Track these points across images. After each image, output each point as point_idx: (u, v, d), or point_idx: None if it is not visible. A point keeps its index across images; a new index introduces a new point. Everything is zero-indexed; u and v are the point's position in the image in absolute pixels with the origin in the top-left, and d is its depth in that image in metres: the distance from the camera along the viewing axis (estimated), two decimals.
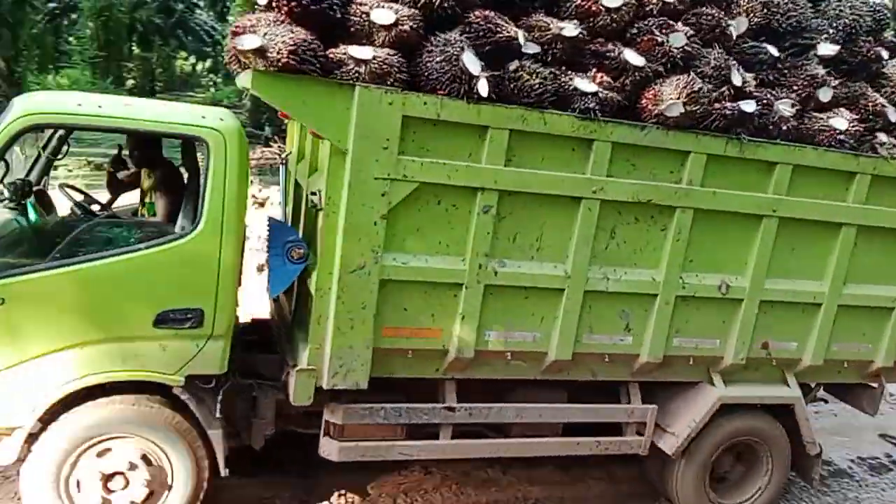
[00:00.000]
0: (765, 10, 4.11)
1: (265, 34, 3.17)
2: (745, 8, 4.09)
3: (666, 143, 3.82)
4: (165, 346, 3.50)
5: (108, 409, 3.49)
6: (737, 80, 3.85)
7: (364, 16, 3.32)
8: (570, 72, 3.62)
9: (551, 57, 3.59)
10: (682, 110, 3.65)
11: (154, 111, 3.71)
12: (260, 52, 3.13)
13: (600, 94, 3.59)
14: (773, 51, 4.11)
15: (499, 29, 3.46)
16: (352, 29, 3.36)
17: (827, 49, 4.21)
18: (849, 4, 4.38)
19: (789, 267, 4.35)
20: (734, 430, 4.63)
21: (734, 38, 3.99)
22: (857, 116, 4.23)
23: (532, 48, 3.53)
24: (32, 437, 3.43)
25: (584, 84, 3.58)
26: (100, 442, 3.50)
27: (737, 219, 4.13)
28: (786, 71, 4.16)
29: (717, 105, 3.79)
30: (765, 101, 3.95)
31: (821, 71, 4.16)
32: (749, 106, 3.87)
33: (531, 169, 3.67)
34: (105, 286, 3.42)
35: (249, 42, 3.14)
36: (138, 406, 3.55)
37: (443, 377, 3.97)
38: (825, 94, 4.16)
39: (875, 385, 5.02)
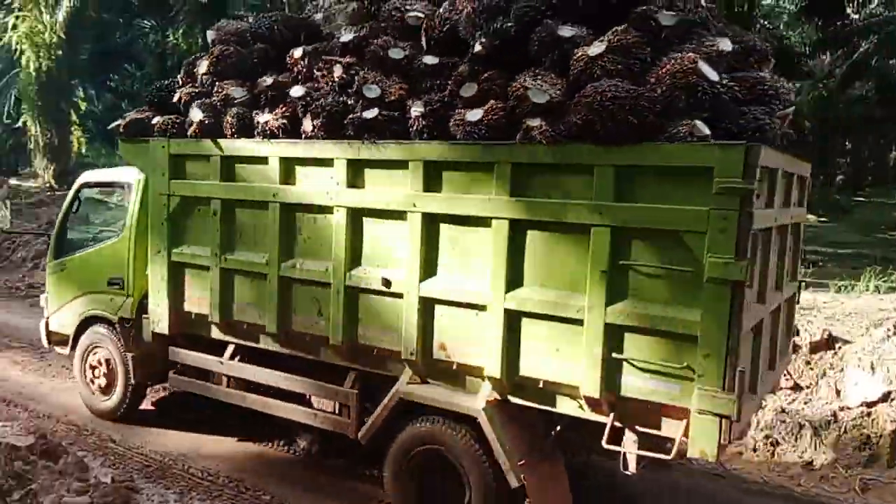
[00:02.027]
0: (435, 26, 4.50)
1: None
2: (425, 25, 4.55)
3: (313, 153, 4.70)
4: (112, 298, 6.17)
5: (96, 329, 6.35)
6: (371, 93, 4.43)
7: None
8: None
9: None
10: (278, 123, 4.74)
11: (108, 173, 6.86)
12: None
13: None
14: (430, 60, 4.42)
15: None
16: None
17: (478, 47, 4.21)
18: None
19: (449, 264, 4.25)
20: (422, 435, 4.43)
21: (401, 59, 4.54)
22: (500, 105, 4.01)
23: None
24: (73, 340, 6.53)
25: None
26: (94, 346, 6.39)
27: (388, 215, 4.42)
28: (440, 76, 4.38)
29: (349, 116, 4.49)
30: (392, 106, 4.37)
31: (465, 69, 4.24)
32: (370, 113, 4.37)
33: (241, 182, 5.10)
34: (90, 263, 6.38)
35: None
36: (107, 331, 6.26)
37: (223, 339, 5.41)
38: (467, 90, 4.16)
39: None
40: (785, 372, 5.54)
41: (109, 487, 4.74)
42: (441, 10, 4.50)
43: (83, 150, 26.90)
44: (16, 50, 17.66)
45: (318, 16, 5.52)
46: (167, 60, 26.29)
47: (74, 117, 24.03)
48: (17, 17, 17.21)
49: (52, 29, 17.12)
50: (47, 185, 20.73)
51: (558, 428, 4.31)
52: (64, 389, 7.15)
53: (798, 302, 5.33)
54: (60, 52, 17.98)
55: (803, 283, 5.91)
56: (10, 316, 10.08)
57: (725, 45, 3.87)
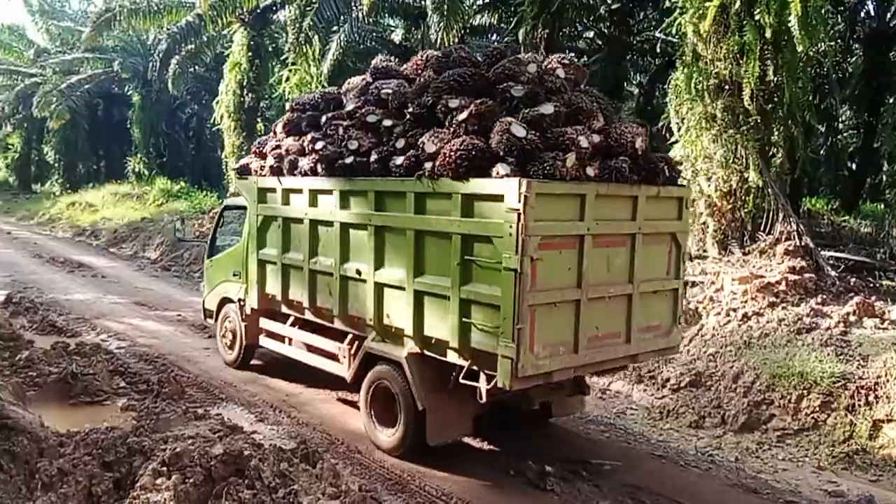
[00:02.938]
0: (395, 98, 6.43)
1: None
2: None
3: (322, 185, 6.99)
4: (236, 285, 8.71)
5: (228, 307, 8.99)
6: (351, 145, 6.54)
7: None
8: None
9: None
10: (310, 166, 6.94)
11: (236, 200, 9.19)
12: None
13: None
14: (387, 122, 6.35)
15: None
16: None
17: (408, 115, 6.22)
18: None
19: (389, 260, 6.31)
20: (379, 374, 6.52)
21: (373, 122, 6.49)
22: (413, 153, 5.91)
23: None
24: (216, 315, 9.27)
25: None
26: (226, 318, 9.05)
27: (359, 227, 6.59)
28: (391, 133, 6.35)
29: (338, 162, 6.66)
30: (363, 154, 6.42)
31: (401, 129, 6.23)
32: (349, 159, 6.52)
33: (291, 206, 7.52)
34: (225, 261, 9.08)
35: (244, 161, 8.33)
36: (233, 308, 8.86)
37: (290, 313, 7.81)
38: (399, 143, 6.13)
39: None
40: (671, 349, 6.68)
41: (357, 495, 5.06)
42: (399, 88, 6.51)
43: None
44: (287, 98, 19.66)
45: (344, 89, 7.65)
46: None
47: None
48: (290, 70, 18.96)
49: (317, 79, 18.44)
50: None
51: (454, 373, 5.84)
52: (321, 400, 7.85)
53: (684, 296, 7.12)
54: None
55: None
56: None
57: (547, 109, 5.62)
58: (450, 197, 5.61)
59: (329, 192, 6.90)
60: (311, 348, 7.62)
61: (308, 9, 16.86)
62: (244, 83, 20.75)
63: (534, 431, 7.09)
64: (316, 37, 17.39)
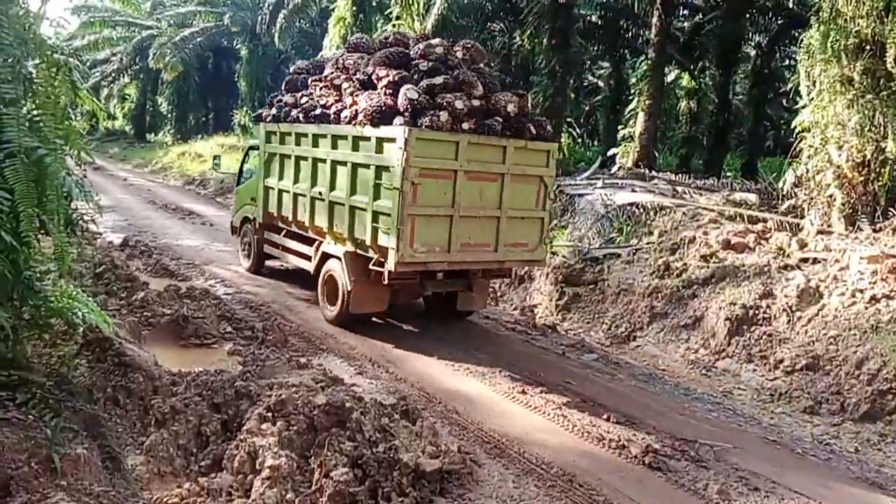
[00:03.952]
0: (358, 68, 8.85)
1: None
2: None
3: (300, 130, 9.50)
4: (252, 207, 11.11)
5: (247, 225, 11.59)
6: (322, 100, 9.13)
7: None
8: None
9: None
10: (296, 115, 9.65)
11: (255, 142, 11.68)
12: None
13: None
14: (346, 85, 8.75)
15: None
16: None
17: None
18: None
19: (338, 184, 8.62)
20: (329, 266, 8.96)
21: (339, 83, 8.89)
22: (355, 108, 8.25)
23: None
24: (239, 231, 11.75)
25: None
26: (245, 232, 11.71)
27: (322, 162, 8.94)
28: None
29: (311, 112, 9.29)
30: (328, 107, 8.91)
31: (346, 86, 8.71)
32: (318, 111, 9.05)
33: (284, 145, 9.97)
34: (246, 189, 11.68)
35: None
36: (249, 225, 11.39)
37: (283, 227, 10.29)
38: (347, 100, 8.53)
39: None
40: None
41: (457, 456, 5.10)
42: (357, 60, 8.84)
43: None
44: None
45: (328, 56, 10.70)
46: (512, 60, 29.68)
47: None
48: (393, 26, 18.56)
49: (420, 34, 19.61)
50: None
51: (372, 264, 8.05)
52: (417, 358, 7.79)
53: (550, 223, 9.67)
54: None
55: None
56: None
57: (437, 80, 7.88)
58: (369, 139, 7.98)
59: (306, 135, 9.26)
60: (293, 252, 10.06)
61: None
62: (347, 38, 20.75)
63: (634, 405, 6.82)
64: None
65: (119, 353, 5.82)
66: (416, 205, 7.52)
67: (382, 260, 7.79)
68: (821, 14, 9.95)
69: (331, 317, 8.85)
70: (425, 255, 7.71)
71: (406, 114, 7.59)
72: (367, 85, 8.33)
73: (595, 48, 30.77)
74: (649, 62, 17.62)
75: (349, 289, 8.36)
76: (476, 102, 7.92)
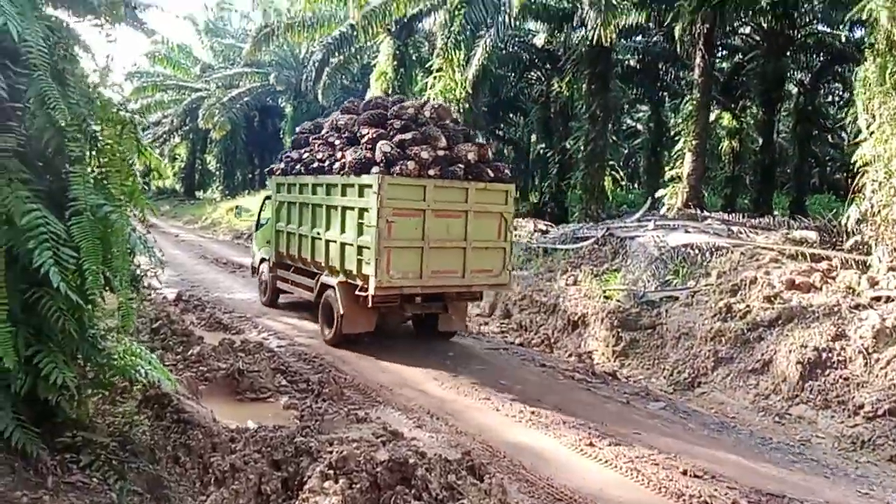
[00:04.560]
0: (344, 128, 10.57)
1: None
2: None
3: (302, 181, 11.16)
4: (267, 249, 12.72)
5: (264, 265, 13.16)
6: (318, 155, 10.68)
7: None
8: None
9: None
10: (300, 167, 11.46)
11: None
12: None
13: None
14: (337, 141, 10.42)
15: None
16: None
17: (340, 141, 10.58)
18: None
19: (331, 225, 10.04)
20: (326, 294, 10.26)
21: (333, 141, 10.59)
22: (343, 161, 9.85)
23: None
24: (256, 271, 13.36)
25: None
26: (262, 272, 13.34)
27: (319, 207, 10.45)
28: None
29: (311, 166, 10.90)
30: (323, 161, 10.50)
31: (337, 143, 10.39)
32: (315, 164, 10.67)
33: (291, 194, 11.64)
34: (263, 232, 13.33)
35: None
36: (266, 265, 12.96)
37: (291, 264, 11.71)
38: (338, 154, 10.08)
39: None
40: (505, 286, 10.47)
41: None
42: (348, 120, 10.35)
43: None
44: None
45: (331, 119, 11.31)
46: (550, 108, 29.77)
47: None
48: (435, 78, 19.09)
49: (461, 85, 18.63)
50: None
51: (358, 290, 9.39)
52: (476, 409, 7.55)
53: (511, 252, 10.39)
54: (467, 105, 19.41)
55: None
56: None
57: (407, 135, 9.38)
58: (353, 186, 9.45)
59: (306, 184, 10.84)
60: (299, 285, 11.35)
61: (458, 11, 16.87)
62: (389, 92, 21.13)
63: (710, 457, 6.45)
64: (462, 42, 17.34)
65: (178, 410, 5.73)
66: (390, 238, 8.92)
67: (365, 286, 9.11)
68: (876, 47, 9.70)
69: (328, 337, 10.15)
70: (401, 281, 9.08)
71: (381, 164, 9.07)
72: (354, 141, 9.95)
73: (634, 92, 30.81)
74: (694, 102, 17.42)
75: (341, 312, 9.71)
76: (440, 152, 9.41)
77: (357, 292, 9.32)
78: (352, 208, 9.46)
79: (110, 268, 4.39)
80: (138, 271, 5.19)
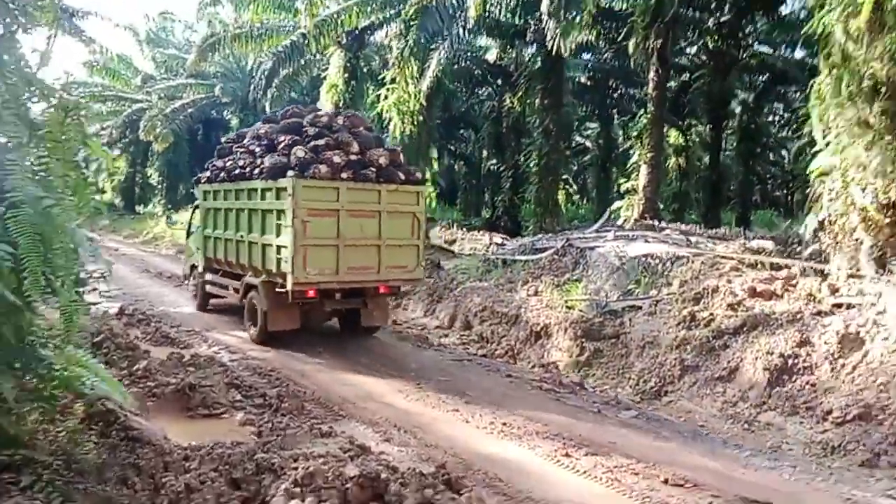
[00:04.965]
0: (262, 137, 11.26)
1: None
2: None
3: (225, 187, 11.83)
4: (197, 255, 13.26)
5: (195, 271, 13.56)
6: (240, 162, 11.33)
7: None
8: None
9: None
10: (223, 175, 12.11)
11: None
12: None
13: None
14: (257, 148, 11.14)
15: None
16: None
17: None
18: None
19: (255, 228, 10.59)
20: (251, 294, 10.71)
21: (254, 149, 11.26)
22: (261, 167, 10.48)
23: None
24: (188, 276, 13.83)
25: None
26: (194, 278, 13.76)
27: (244, 211, 10.95)
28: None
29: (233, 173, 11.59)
30: (245, 167, 11.05)
31: (257, 150, 11.02)
32: (237, 171, 11.27)
33: (217, 200, 12.15)
34: (193, 240, 13.68)
35: None
36: (197, 271, 13.57)
37: (218, 268, 12.32)
38: (259, 160, 10.62)
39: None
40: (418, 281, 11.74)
41: None
42: (268, 129, 11.09)
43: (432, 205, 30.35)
44: (386, 118, 19.81)
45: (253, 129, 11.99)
46: (502, 123, 29.81)
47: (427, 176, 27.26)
48: (388, 90, 18.91)
49: (415, 98, 18.49)
50: None
51: (278, 288, 9.89)
52: (444, 421, 7.25)
53: (428, 247, 12.90)
54: (421, 118, 19.36)
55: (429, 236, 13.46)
56: None
57: (320, 141, 10.15)
58: (271, 189, 10.02)
59: (230, 190, 11.37)
60: (226, 287, 11.72)
61: (413, 21, 16.68)
62: (340, 104, 20.86)
63: (688, 465, 6.27)
64: (417, 53, 17.16)
65: (126, 427, 5.28)
66: (306, 237, 9.46)
67: (284, 283, 9.54)
68: (831, 59, 9.86)
69: (253, 335, 10.59)
70: (318, 277, 9.61)
71: (295, 168, 9.66)
72: (272, 148, 10.55)
73: (584, 109, 31.20)
74: (648, 116, 17.64)
75: (265, 310, 10.16)
76: (353, 157, 10.15)
77: (278, 290, 9.75)
78: (271, 211, 10.01)
79: (51, 267, 3.94)
80: (83, 273, 4.72)
